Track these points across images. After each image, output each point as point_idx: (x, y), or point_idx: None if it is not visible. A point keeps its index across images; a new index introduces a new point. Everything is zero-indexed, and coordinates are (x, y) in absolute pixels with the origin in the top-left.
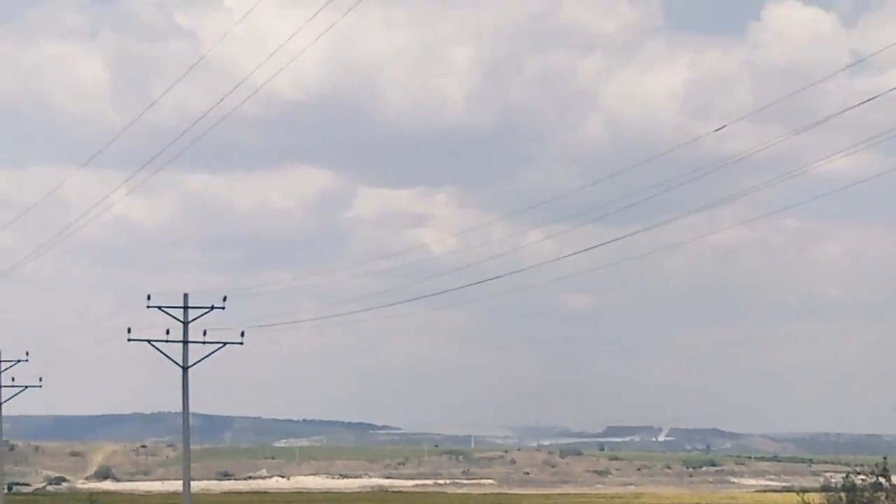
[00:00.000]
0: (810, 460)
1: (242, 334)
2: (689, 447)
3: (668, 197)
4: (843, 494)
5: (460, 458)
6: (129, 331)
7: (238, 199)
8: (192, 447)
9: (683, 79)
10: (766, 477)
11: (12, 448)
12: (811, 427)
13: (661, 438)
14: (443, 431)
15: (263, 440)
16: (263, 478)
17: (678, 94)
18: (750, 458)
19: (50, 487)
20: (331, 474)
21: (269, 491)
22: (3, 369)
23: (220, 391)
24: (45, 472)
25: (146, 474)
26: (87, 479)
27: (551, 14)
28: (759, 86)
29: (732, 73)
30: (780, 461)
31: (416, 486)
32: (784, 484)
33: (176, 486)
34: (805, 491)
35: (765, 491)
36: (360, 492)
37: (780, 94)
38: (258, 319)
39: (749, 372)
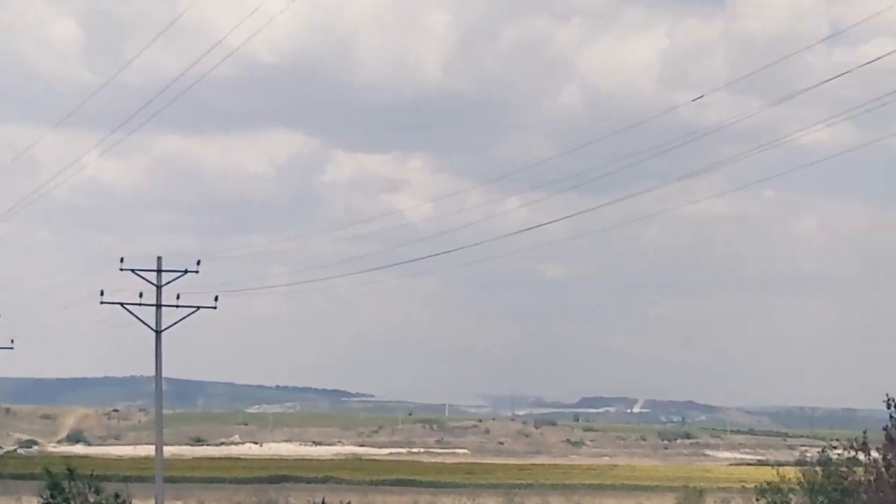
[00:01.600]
0: (786, 434)
1: (216, 298)
2: (664, 419)
3: (645, 167)
4: (818, 469)
5: (434, 426)
6: (101, 293)
7: (212, 162)
8: (165, 412)
9: (661, 48)
10: (741, 450)
11: None
12: (787, 401)
13: (636, 410)
14: (417, 400)
15: (236, 406)
16: (236, 444)
17: (655, 63)
18: (725, 431)
19: (21, 450)
20: (304, 441)
21: (242, 457)
22: None
23: (192, 356)
24: (15, 435)
25: (118, 438)
26: (58, 442)
27: None
28: (738, 56)
29: (711, 42)
30: (755, 434)
31: (390, 454)
32: (759, 457)
33: (148, 450)
34: (780, 465)
35: (740, 464)
36: (333, 459)
37: (758, 64)
38: (232, 284)
39: (725, 344)
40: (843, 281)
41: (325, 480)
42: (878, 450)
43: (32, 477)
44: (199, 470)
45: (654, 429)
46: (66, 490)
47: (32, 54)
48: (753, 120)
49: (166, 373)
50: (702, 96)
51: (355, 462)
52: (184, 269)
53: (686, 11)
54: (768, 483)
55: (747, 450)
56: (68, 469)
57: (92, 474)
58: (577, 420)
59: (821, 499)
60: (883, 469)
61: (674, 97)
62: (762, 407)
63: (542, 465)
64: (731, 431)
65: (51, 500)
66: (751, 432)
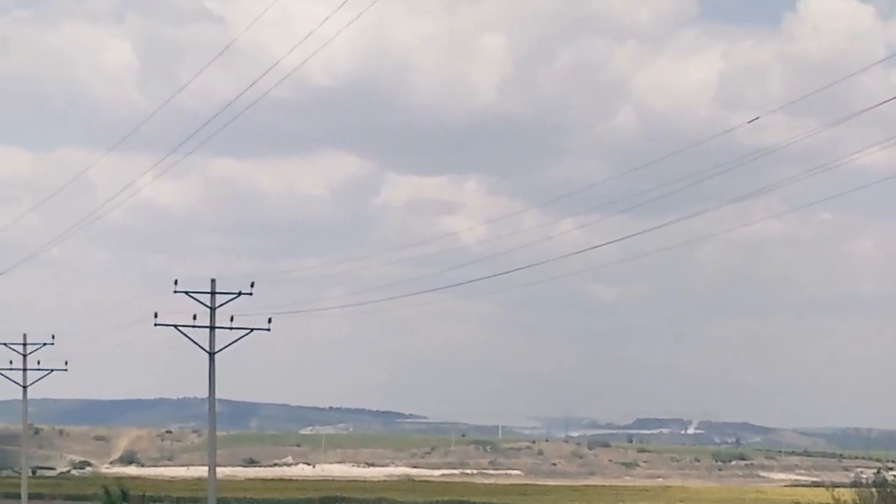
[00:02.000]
0: (841, 455)
1: (270, 321)
2: (718, 440)
3: (700, 188)
4: (874, 490)
5: (488, 448)
6: (155, 315)
7: (266, 185)
8: (218, 433)
9: (717, 70)
10: (796, 471)
11: (37, 432)
12: (842, 422)
13: (690, 431)
14: (470, 421)
15: (289, 427)
16: (289, 465)
17: (711, 85)
18: (780, 452)
19: (74, 472)
20: (357, 462)
21: (295, 478)
22: (28, 353)
23: (246, 378)
24: (69, 457)
25: (171, 459)
26: (111, 463)
27: (585, 2)
28: (794, 77)
29: (766, 64)
30: (810, 456)
31: (443, 475)
32: (814, 479)
33: (201, 471)
34: (836, 486)
35: (794, 486)
36: (386, 480)
37: (814, 86)
38: (286, 306)
39: (780, 366)
40: None
41: (377, 502)
42: None
43: (86, 498)
44: (251, 491)
45: (708, 450)
46: None
47: (88, 79)
48: (809, 141)
49: (220, 394)
50: (757, 118)
51: (408, 483)
52: (238, 291)
53: (742, 33)
54: None
55: (802, 471)
56: (121, 490)
57: (143, 496)
58: (631, 441)
59: None
60: None
61: (729, 118)
62: (818, 428)
63: (595, 486)
64: (786, 453)
65: None
66: (806, 454)
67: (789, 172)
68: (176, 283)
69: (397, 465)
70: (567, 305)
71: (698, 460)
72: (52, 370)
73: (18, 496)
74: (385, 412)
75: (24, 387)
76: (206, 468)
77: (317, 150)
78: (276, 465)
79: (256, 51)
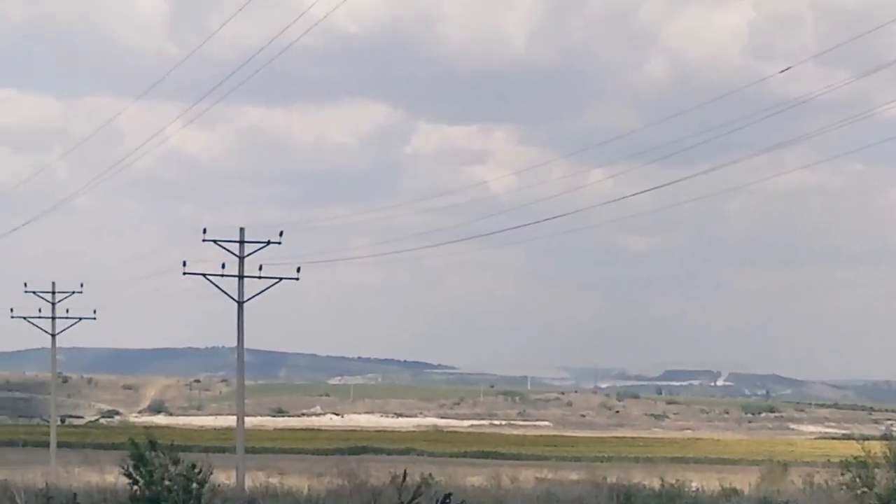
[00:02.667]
0: (871, 408)
1: (298, 270)
2: (748, 393)
3: (731, 138)
4: None
5: (516, 399)
6: (184, 264)
7: (295, 133)
8: (246, 383)
9: (748, 18)
10: (826, 424)
11: (66, 380)
12: (872, 375)
13: (719, 383)
14: (499, 372)
15: (318, 377)
16: (317, 415)
17: (743, 34)
18: (810, 404)
19: (103, 420)
20: (385, 413)
21: (323, 428)
22: (57, 301)
23: (275, 328)
24: (97, 405)
25: (199, 409)
26: (139, 412)
27: None
28: (826, 27)
29: (798, 13)
30: (840, 408)
31: (471, 426)
32: (844, 431)
33: (229, 421)
34: (865, 439)
35: (824, 438)
36: (414, 431)
37: (847, 36)
38: (315, 255)
39: (810, 318)
40: None
41: (406, 452)
42: None
43: (114, 447)
44: (280, 441)
45: (737, 402)
46: (149, 461)
47: (117, 26)
48: (841, 92)
49: (248, 344)
50: (789, 68)
51: (436, 434)
52: (266, 240)
53: None
54: (853, 457)
55: (832, 424)
56: (149, 440)
57: (172, 445)
58: (660, 393)
59: None
60: None
61: (761, 68)
62: (847, 381)
63: (624, 438)
64: (816, 405)
65: (133, 471)
66: (836, 406)
67: (821, 123)
68: (204, 231)
69: (426, 416)
70: (597, 256)
71: (728, 412)
72: (80, 318)
73: (47, 445)
74: (414, 362)
75: (53, 335)
76: (235, 418)
77: (345, 99)
78: (304, 414)
79: None
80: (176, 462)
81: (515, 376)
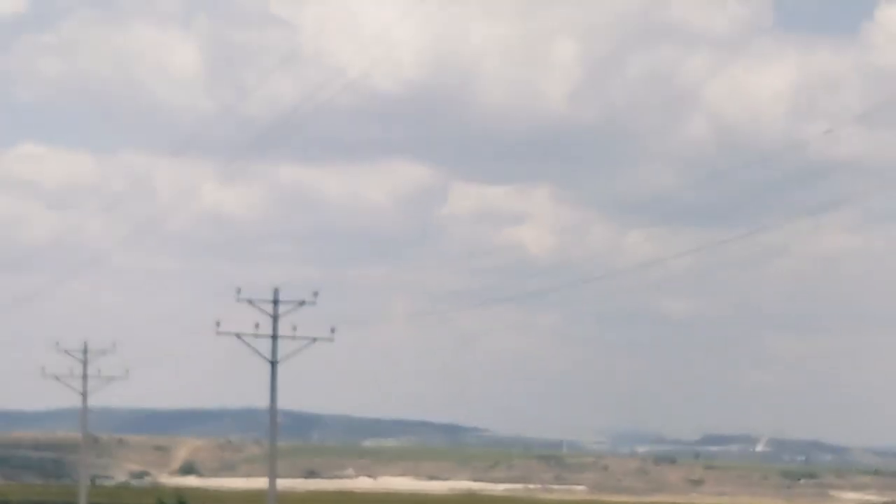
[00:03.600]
0: None
1: (333, 330)
2: (787, 459)
3: (773, 200)
4: None
5: (552, 462)
6: (217, 324)
7: (331, 192)
8: (279, 444)
9: (791, 79)
10: (867, 491)
11: (96, 441)
12: None
13: (759, 448)
14: (534, 435)
15: (351, 439)
16: (350, 477)
17: (785, 95)
18: (851, 471)
19: (133, 482)
20: (419, 475)
21: (356, 491)
22: (89, 360)
23: (308, 388)
24: (128, 466)
25: (231, 470)
26: (170, 473)
27: (658, 9)
28: (870, 88)
29: (842, 74)
30: (882, 475)
31: (506, 490)
32: (885, 499)
33: (261, 483)
34: None
35: None
36: (448, 494)
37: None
38: (349, 315)
39: (852, 383)
40: None
41: None
42: None
43: None
44: (312, 503)
45: (777, 468)
46: None
47: (153, 82)
48: (885, 154)
49: (282, 404)
50: (831, 129)
51: (470, 497)
52: (301, 300)
53: (818, 42)
54: None
55: (873, 491)
56: (180, 501)
57: None
58: (698, 458)
59: None
60: None
61: (803, 130)
62: (890, 447)
63: (661, 503)
64: (858, 472)
65: None
66: (877, 473)
67: (864, 185)
68: (239, 291)
69: (459, 479)
70: (635, 317)
71: (766, 478)
72: (112, 378)
73: None
74: (448, 425)
75: (84, 395)
76: (267, 480)
77: (382, 158)
78: (337, 477)
79: (323, 56)
80: None
81: (551, 439)
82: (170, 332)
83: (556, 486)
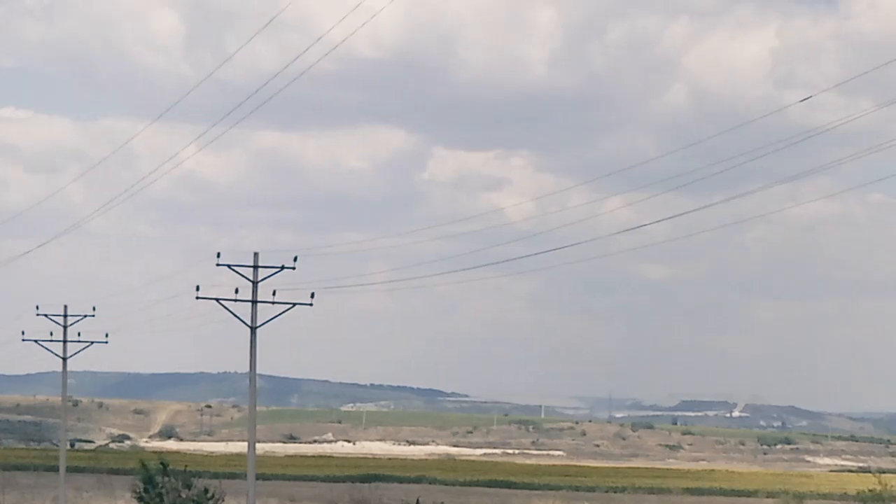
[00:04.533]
0: (888, 441)
1: (312, 295)
2: (764, 424)
3: (751, 167)
4: None
5: (530, 427)
6: (197, 289)
7: (311, 158)
8: (259, 409)
9: (770, 47)
10: (843, 456)
11: (76, 404)
12: (891, 407)
13: (735, 414)
14: (513, 400)
15: (330, 403)
16: (329, 441)
17: (764, 63)
18: (826, 436)
19: (113, 445)
20: (397, 440)
21: (335, 455)
22: (69, 324)
23: (288, 353)
24: (108, 430)
25: (210, 434)
26: (150, 437)
27: None
28: (849, 56)
29: (821, 42)
30: (857, 441)
31: (485, 454)
32: (860, 464)
33: (240, 447)
34: (882, 472)
35: (841, 471)
36: (427, 459)
37: (869, 64)
38: (329, 281)
39: (828, 349)
40: None
41: (418, 480)
42: None
43: (125, 472)
44: (291, 468)
45: (753, 433)
46: (160, 485)
47: (134, 47)
48: (863, 121)
49: (261, 369)
50: (810, 96)
51: (449, 462)
52: (280, 265)
53: (797, 10)
54: (869, 490)
55: (849, 456)
56: (162, 464)
57: (185, 469)
58: (675, 423)
59: None
60: None
61: (782, 97)
62: (865, 413)
63: (638, 468)
64: (833, 437)
65: (144, 495)
66: (852, 438)
67: (842, 152)
68: (218, 255)
69: (438, 444)
70: (613, 284)
71: (743, 444)
72: (92, 342)
73: (57, 469)
74: (427, 390)
75: (64, 359)
76: (246, 444)
77: (362, 124)
78: (316, 441)
79: (303, 22)
80: (189, 487)
81: (529, 405)
82: (150, 297)
83: (534, 451)
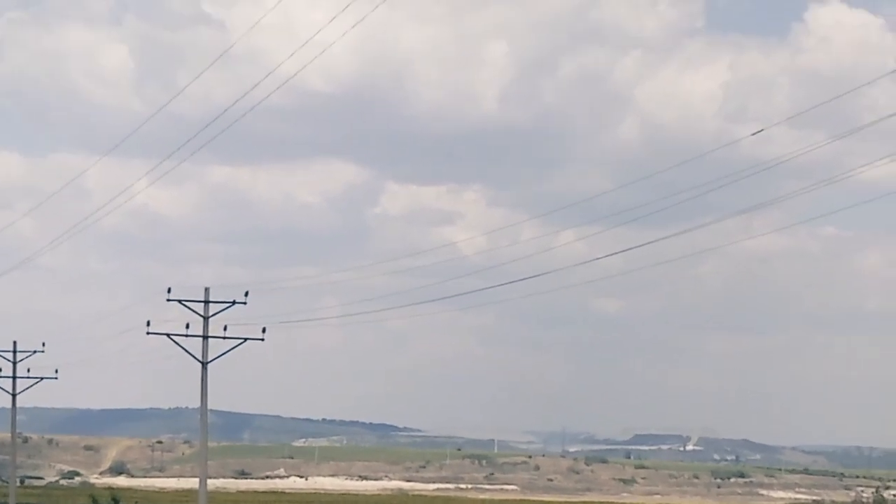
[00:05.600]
0: (841, 474)
1: (264, 330)
2: (717, 458)
3: (704, 201)
4: None
5: (483, 462)
6: (147, 324)
7: (262, 192)
8: (210, 444)
9: (722, 81)
10: (797, 490)
11: (26, 441)
12: (844, 440)
13: (689, 448)
14: (466, 435)
15: (282, 439)
16: (281, 477)
17: (716, 97)
18: (780, 470)
19: (63, 481)
20: (350, 475)
21: (287, 491)
22: (18, 360)
23: (239, 388)
24: (58, 466)
25: (161, 471)
26: (101, 473)
27: (589, 11)
28: (801, 90)
29: (773, 76)
30: (811, 474)
31: (438, 489)
32: (815, 498)
33: (192, 483)
34: None
35: None
36: (379, 494)
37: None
38: (280, 316)
39: (782, 382)
40: None
41: None
42: None
43: None
44: (243, 503)
45: (707, 467)
46: None
47: (84, 83)
48: (815, 154)
49: (212, 405)
50: (762, 129)
51: (402, 497)
52: (231, 300)
53: (748, 44)
54: None
55: (802, 489)
56: (114, 499)
57: None
58: (629, 457)
59: None
60: None
61: (734, 131)
62: (819, 446)
63: (592, 502)
64: (787, 471)
65: None
66: (806, 472)
67: (794, 186)
68: (169, 291)
69: (391, 479)
70: (567, 318)
71: (697, 477)
72: (41, 378)
73: None
74: (380, 425)
75: (14, 395)
76: (198, 479)
77: (314, 158)
78: (268, 477)
79: (255, 56)
80: None
81: (483, 439)
82: (101, 332)
83: (487, 486)
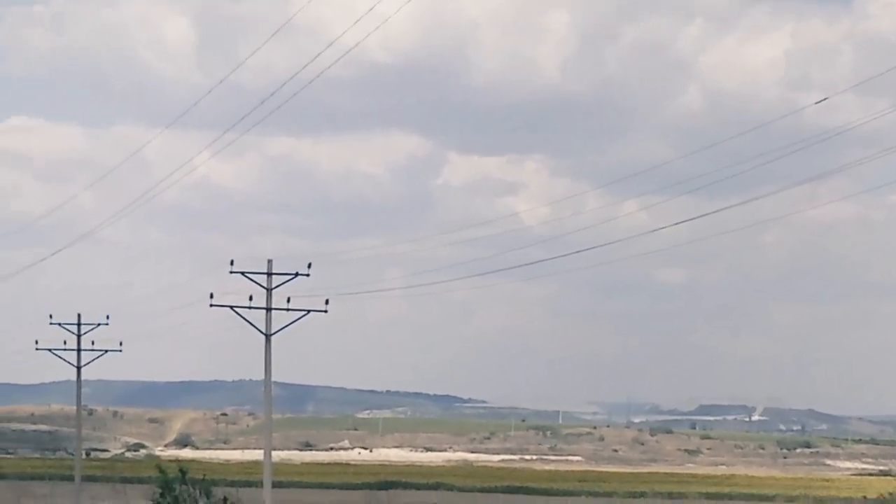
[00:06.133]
0: None
1: (327, 302)
2: (783, 428)
3: (767, 170)
4: None
5: (548, 433)
6: (211, 296)
7: (324, 164)
8: (274, 416)
9: (785, 48)
10: (863, 460)
11: (91, 413)
12: None
13: (755, 418)
14: (530, 406)
15: (346, 411)
16: (345, 449)
17: (780, 64)
18: (847, 440)
19: (128, 453)
20: (414, 447)
21: (351, 462)
22: (83, 333)
23: (303, 360)
24: (123, 439)
25: (226, 443)
26: (165, 446)
27: None
28: (864, 57)
29: (836, 43)
30: (877, 444)
31: (502, 461)
32: (881, 467)
33: (256, 455)
34: None
35: (861, 474)
36: (444, 465)
37: (886, 65)
38: (343, 287)
39: (848, 352)
40: None
41: (435, 487)
42: None
43: (140, 480)
44: (307, 475)
45: (773, 437)
46: (177, 492)
47: (144, 55)
48: (881, 122)
49: (276, 377)
50: (826, 98)
51: (466, 468)
52: (294, 272)
53: (811, 11)
54: (890, 493)
55: (869, 459)
56: (181, 471)
57: (204, 478)
58: (694, 428)
59: None
60: None
61: (798, 99)
62: (885, 416)
63: (657, 473)
64: (853, 441)
65: (161, 500)
66: (873, 441)
67: (859, 154)
68: (232, 263)
69: (455, 450)
70: (630, 288)
71: (763, 448)
72: (106, 351)
73: (72, 478)
74: (444, 396)
75: (79, 367)
76: (262, 451)
77: (376, 129)
78: (332, 448)
79: (315, 27)
80: (208, 495)
81: (547, 411)
82: (164, 305)
83: (552, 457)
